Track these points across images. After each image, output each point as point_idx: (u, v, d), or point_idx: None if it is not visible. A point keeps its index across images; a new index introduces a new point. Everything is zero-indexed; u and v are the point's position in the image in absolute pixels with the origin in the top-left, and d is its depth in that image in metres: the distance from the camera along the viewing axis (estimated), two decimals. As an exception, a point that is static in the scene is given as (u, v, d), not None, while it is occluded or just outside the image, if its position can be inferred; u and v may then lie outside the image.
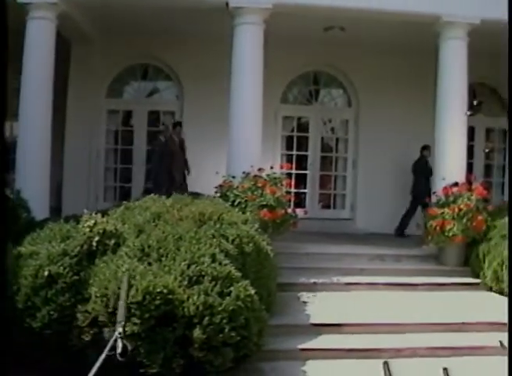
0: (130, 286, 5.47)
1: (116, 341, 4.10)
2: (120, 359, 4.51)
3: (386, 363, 5.18)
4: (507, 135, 11.13)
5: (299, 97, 15.19)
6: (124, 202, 8.99)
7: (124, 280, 4.23)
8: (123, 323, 4.03)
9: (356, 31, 12.68)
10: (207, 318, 5.99)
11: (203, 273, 6.34)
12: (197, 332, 5.93)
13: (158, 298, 5.92)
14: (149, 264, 6.51)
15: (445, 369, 4.33)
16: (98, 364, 4.11)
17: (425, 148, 13.67)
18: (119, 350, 4.28)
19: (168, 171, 12.68)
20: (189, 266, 6.38)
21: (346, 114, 15.22)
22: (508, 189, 8.75)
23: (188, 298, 6.05)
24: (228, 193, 10.34)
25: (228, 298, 6.25)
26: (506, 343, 7.96)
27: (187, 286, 6.20)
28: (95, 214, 7.16)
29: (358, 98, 14.98)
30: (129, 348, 4.21)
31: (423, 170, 13.61)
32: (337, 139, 15.26)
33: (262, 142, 11.06)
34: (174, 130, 13.16)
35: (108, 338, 4.95)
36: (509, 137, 10.42)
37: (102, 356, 4.18)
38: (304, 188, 14.87)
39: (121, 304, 4.00)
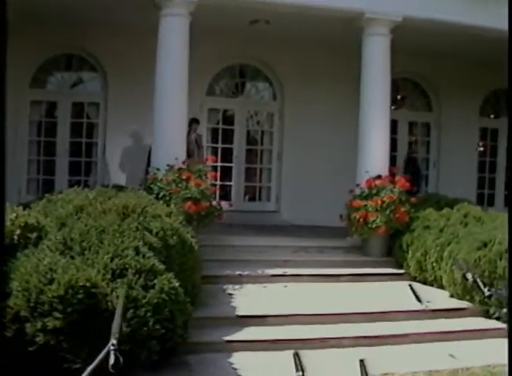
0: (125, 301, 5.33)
1: (108, 352, 3.98)
2: (111, 371, 4.40)
3: (296, 354, 5.22)
4: (508, 134, 11.35)
5: (225, 90, 15.17)
6: (47, 195, 8.83)
7: (121, 292, 4.12)
8: (117, 335, 3.90)
9: (282, 25, 12.70)
10: (131, 311, 5.94)
11: (126, 266, 6.28)
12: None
13: (81, 291, 5.83)
14: (72, 257, 6.42)
15: (361, 360, 4.40)
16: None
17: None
18: (111, 362, 4.18)
19: None
20: (112, 259, 6.31)
21: (271, 107, 15.27)
22: (508, 188, 8.97)
23: (111, 292, 5.99)
24: (152, 186, 10.25)
25: (152, 290, 6.21)
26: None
27: (110, 279, 6.13)
28: (17, 207, 7.01)
29: (283, 91, 15.05)
30: (121, 361, 4.10)
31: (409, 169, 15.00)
32: (263, 132, 15.32)
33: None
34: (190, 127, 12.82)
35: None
36: (508, 136, 10.63)
37: (92, 367, 4.04)
38: (230, 181, 14.87)
39: (117, 316, 3.87)
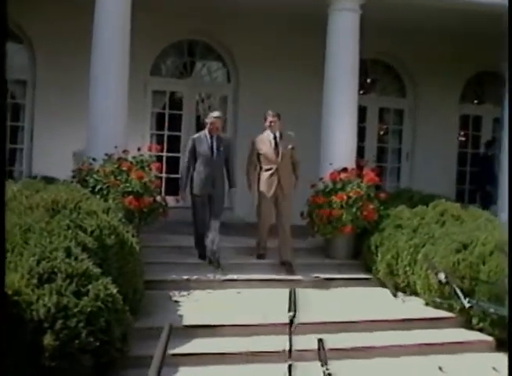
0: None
1: None
2: None
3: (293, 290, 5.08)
4: (508, 130, 11.44)
5: (172, 69, 15.04)
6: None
7: (165, 328, 4.02)
8: None
9: (237, -2, 12.67)
10: (60, 322, 5.85)
11: (55, 270, 6.20)
12: (48, 338, 5.78)
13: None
14: (-8, 260, 6.29)
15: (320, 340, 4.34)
16: None
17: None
18: None
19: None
20: (38, 262, 6.22)
21: (225, 90, 15.20)
22: (508, 188, 9.03)
23: (37, 299, 5.90)
24: (87, 178, 10.13)
25: (85, 298, 6.14)
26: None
27: (36, 285, 6.04)
28: None
29: (237, 73, 14.97)
30: None
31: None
32: (215, 118, 15.21)
33: (128, 119, 10.87)
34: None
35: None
36: (509, 132, 10.68)
37: None
38: (177, 173, 14.72)
39: (157, 356, 3.78)
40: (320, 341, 4.51)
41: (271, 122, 10.96)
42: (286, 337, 7.39)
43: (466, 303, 4.77)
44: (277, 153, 10.92)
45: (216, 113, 11.04)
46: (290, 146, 10.98)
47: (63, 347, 5.85)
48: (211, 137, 10.72)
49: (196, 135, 11.04)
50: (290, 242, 10.92)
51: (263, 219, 11.04)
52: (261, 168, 11.02)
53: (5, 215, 6.15)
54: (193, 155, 10.73)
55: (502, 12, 11.84)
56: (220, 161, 10.78)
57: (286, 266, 10.68)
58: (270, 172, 10.88)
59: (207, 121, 10.85)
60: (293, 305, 4.47)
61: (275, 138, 10.99)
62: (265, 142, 11.02)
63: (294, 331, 4.87)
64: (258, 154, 11.02)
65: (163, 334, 4.27)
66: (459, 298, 4.76)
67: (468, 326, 8.90)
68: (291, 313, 4.44)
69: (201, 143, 10.71)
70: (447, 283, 5.01)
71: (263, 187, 10.92)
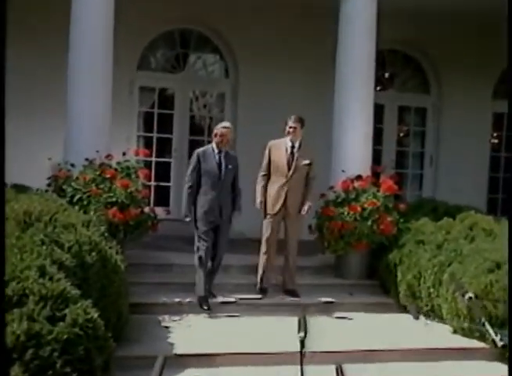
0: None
1: None
2: None
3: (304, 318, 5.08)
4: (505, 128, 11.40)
5: (162, 62, 15.07)
6: None
7: (158, 360, 4.04)
8: None
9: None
10: (30, 351, 5.77)
11: (27, 292, 6.13)
12: (16, 370, 5.71)
13: (-36, 326, 5.70)
14: (-46, 281, 6.27)
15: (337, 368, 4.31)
16: None
17: None
18: None
19: None
20: (7, 283, 6.17)
21: (222, 87, 15.21)
22: (508, 187, 9.01)
23: (5, 326, 5.84)
24: (64, 187, 10.16)
25: (61, 323, 6.07)
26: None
27: (4, 309, 5.98)
28: None
29: (237, 67, 14.97)
30: None
31: None
32: (211, 119, 15.22)
33: (112, 120, 10.89)
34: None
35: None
36: (507, 130, 10.66)
37: None
38: (168, 181, 14.75)
39: None
40: (339, 367, 4.48)
41: (290, 128, 10.63)
42: (291, 367, 7.39)
43: (498, 341, 4.64)
44: (289, 166, 10.61)
45: (226, 124, 10.66)
46: (306, 162, 10.62)
47: (33, 379, 5.81)
48: (220, 152, 10.25)
49: (201, 149, 10.46)
50: (294, 267, 10.77)
51: (266, 238, 10.77)
52: (269, 178, 10.75)
53: (4, 219, 6.15)
54: (198, 174, 10.18)
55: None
56: (228, 182, 10.34)
57: (290, 294, 10.63)
58: (278, 186, 10.60)
59: (215, 131, 10.35)
60: (302, 329, 4.47)
61: (292, 147, 10.68)
62: (281, 147, 10.71)
63: (304, 361, 4.87)
64: (270, 161, 10.73)
65: (155, 367, 4.27)
66: (488, 332, 4.65)
67: (504, 359, 8.73)
68: (301, 334, 4.43)
69: (207, 159, 10.19)
70: (482, 325, 4.87)
71: (268, 202, 10.69)
